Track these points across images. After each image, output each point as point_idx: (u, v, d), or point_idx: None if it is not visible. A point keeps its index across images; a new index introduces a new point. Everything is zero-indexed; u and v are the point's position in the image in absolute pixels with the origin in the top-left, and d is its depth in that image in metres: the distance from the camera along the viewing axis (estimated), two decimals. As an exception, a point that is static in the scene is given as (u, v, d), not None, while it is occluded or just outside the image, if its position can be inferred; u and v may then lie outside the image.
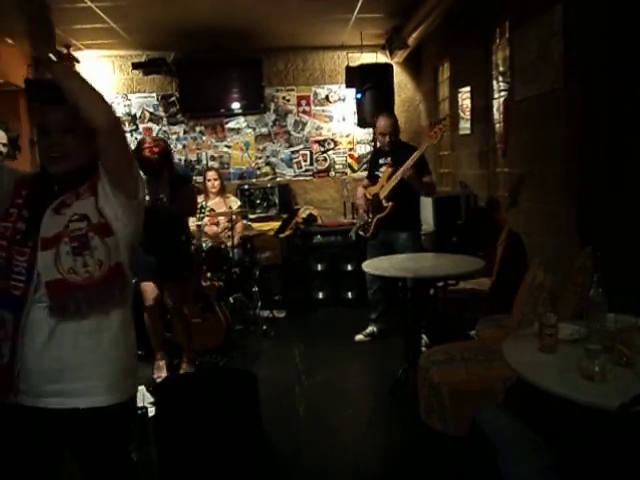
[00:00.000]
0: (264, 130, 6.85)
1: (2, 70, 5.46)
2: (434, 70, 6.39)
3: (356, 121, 6.35)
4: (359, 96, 5.99)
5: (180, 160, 6.55)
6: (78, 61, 6.11)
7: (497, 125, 4.82)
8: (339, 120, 6.87)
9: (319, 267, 5.89)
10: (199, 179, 5.86)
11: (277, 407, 3.46)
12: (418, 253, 4.31)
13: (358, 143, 6.93)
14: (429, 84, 6.60)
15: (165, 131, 6.73)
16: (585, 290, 2.32)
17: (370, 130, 6.12)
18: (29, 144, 5.66)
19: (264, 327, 5.08)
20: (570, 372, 1.84)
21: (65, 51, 5.70)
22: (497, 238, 4.14)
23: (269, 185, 6.69)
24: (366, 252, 4.57)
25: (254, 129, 6.83)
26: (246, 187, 6.61)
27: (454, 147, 5.89)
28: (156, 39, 5.99)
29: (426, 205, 5.15)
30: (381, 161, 4.55)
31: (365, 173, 5.37)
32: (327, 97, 6.84)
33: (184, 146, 6.77)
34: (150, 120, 6.70)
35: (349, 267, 5.82)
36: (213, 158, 6.82)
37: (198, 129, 6.77)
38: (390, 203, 4.35)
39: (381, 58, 6.54)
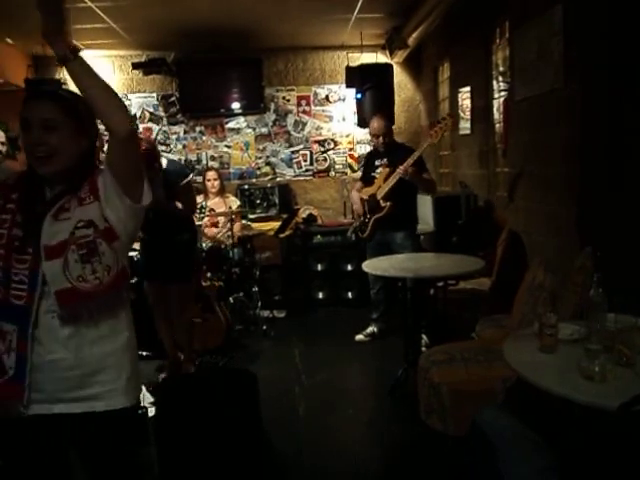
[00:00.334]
0: (264, 130, 6.85)
1: (2, 70, 5.46)
2: (434, 70, 6.39)
3: (356, 121, 6.36)
4: (359, 96, 6.00)
5: (180, 159, 6.55)
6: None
7: (497, 125, 4.81)
8: (339, 120, 6.87)
9: (319, 267, 5.89)
10: (199, 179, 5.86)
11: (277, 407, 3.47)
12: (418, 253, 4.32)
13: (358, 143, 6.93)
14: (429, 84, 6.60)
15: (165, 131, 6.74)
16: (585, 290, 2.33)
17: (370, 130, 6.13)
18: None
19: (264, 327, 5.08)
20: (570, 372, 1.85)
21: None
22: (497, 238, 4.14)
23: (269, 185, 6.69)
24: (366, 252, 4.57)
25: (254, 129, 6.83)
26: (246, 187, 6.61)
27: (454, 147, 5.89)
28: (156, 39, 5.99)
29: (426, 205, 5.15)
30: (377, 162, 4.55)
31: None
32: (327, 97, 6.84)
33: (184, 146, 6.77)
34: (150, 120, 6.70)
35: (349, 267, 5.82)
36: (213, 158, 6.82)
37: (198, 129, 6.77)
38: (388, 203, 4.35)
39: (381, 58, 6.54)
